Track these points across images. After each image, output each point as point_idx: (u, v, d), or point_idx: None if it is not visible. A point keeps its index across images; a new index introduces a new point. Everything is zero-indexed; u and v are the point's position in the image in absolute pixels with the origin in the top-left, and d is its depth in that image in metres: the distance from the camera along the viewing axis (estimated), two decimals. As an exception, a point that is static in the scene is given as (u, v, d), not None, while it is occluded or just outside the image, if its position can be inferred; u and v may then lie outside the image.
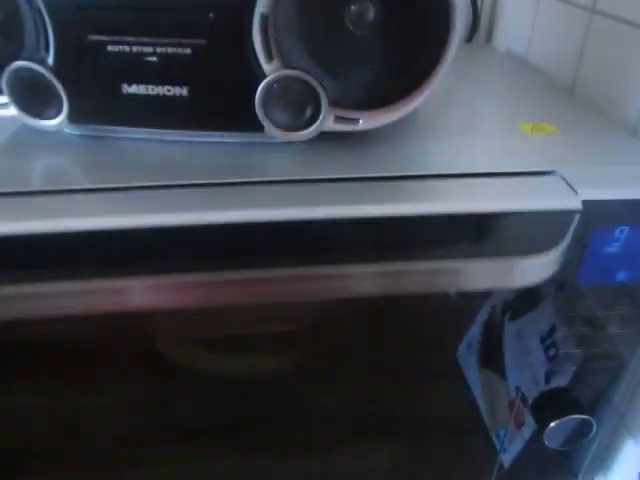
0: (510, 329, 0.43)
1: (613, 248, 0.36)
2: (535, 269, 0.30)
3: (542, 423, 0.45)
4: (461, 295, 0.41)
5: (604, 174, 0.36)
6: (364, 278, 0.28)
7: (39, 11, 0.32)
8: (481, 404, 0.48)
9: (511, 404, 0.49)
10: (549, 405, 0.45)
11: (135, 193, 0.32)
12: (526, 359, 0.45)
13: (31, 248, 0.29)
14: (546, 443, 0.46)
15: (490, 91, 0.53)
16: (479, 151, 0.39)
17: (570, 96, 0.53)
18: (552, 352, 0.45)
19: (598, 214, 0.34)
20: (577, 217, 0.32)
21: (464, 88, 0.52)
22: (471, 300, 0.42)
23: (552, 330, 0.43)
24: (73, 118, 0.37)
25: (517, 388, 0.47)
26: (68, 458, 0.46)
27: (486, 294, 0.40)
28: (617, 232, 0.35)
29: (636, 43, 0.45)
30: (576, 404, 0.44)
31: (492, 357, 0.45)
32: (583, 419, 0.44)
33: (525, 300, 0.42)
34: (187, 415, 0.45)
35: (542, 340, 0.44)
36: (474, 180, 0.34)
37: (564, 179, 0.34)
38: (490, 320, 0.43)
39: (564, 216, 0.32)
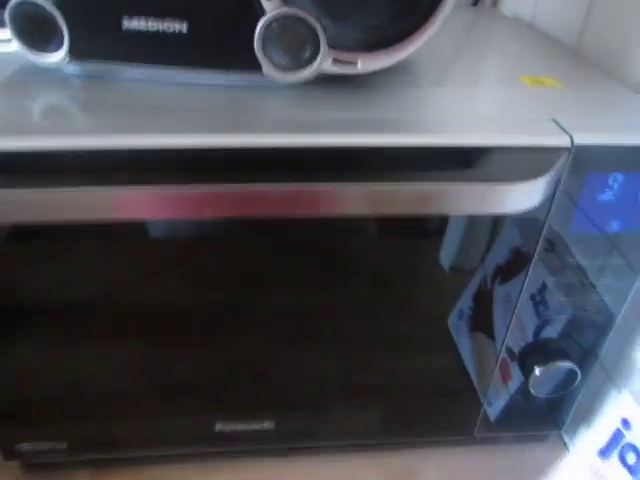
0: (500, 292, 0.44)
1: (607, 196, 0.37)
2: (521, 195, 0.30)
3: (527, 371, 0.46)
4: (454, 268, 0.42)
5: (600, 122, 0.36)
6: (355, 196, 0.29)
7: (41, -62, 0.32)
8: (470, 367, 0.49)
9: (501, 363, 0.50)
10: (535, 353, 0.45)
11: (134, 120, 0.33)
12: (516, 319, 0.46)
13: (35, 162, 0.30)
14: (531, 391, 0.47)
15: (493, 49, 0.52)
16: (476, 100, 0.40)
17: (574, 56, 0.52)
18: (541, 309, 0.45)
19: (592, 160, 0.35)
20: (566, 155, 0.32)
21: (467, 47, 0.52)
22: (464, 273, 0.43)
23: (542, 288, 0.44)
24: (74, 54, 0.37)
25: (506, 347, 0.48)
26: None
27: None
28: (611, 179, 0.36)
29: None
30: (561, 352, 0.45)
31: (482, 321, 0.46)
32: (568, 367, 0.45)
33: (516, 263, 0.42)
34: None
35: (532, 298, 0.45)
36: (467, 121, 0.34)
37: (556, 122, 0.34)
38: (481, 287, 0.44)
39: (553, 153, 0.32)
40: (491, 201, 0.30)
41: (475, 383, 0.50)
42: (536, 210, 0.36)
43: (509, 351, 0.48)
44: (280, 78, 0.37)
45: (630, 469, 0.39)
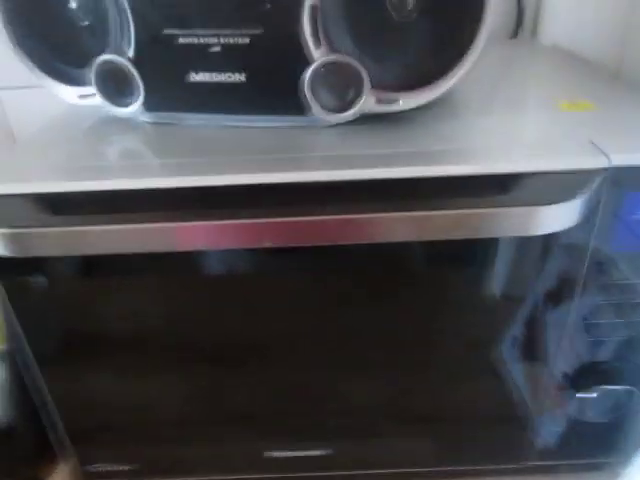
0: (551, 317, 0.44)
1: (647, 214, 0.37)
2: (557, 216, 0.31)
3: (581, 395, 0.45)
4: (505, 296, 0.43)
5: (637, 142, 0.37)
6: (400, 222, 0.32)
7: (123, 9, 0.38)
8: (524, 394, 0.49)
9: (554, 391, 0.49)
10: (589, 377, 0.45)
11: (199, 164, 0.37)
12: (571, 345, 0.46)
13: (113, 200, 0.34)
14: (585, 416, 0.46)
15: (531, 78, 0.54)
16: (514, 127, 0.41)
17: (613, 80, 0.53)
18: (594, 331, 0.45)
19: (630, 179, 0.36)
20: (602, 175, 0.34)
21: (506, 77, 0.54)
22: (516, 301, 0.44)
23: (594, 310, 0.44)
24: (147, 105, 0.43)
25: (562, 376, 0.48)
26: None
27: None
28: (651, 198, 0.36)
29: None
30: (617, 374, 0.44)
31: (535, 347, 0.46)
32: (622, 390, 0.44)
33: (565, 287, 0.43)
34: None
35: (584, 320, 0.45)
36: (505, 149, 0.36)
37: (594, 144, 0.36)
38: (532, 313, 0.44)
39: (590, 174, 0.33)
40: (528, 223, 0.31)
41: (527, 411, 0.49)
42: (580, 231, 0.37)
43: (564, 376, 0.48)
44: (327, 119, 0.41)
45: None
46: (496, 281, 0.43)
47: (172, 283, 0.43)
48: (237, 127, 0.43)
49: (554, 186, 0.33)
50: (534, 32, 0.71)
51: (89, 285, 0.43)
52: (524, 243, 0.40)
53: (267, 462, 0.51)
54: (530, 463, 0.52)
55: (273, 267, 0.42)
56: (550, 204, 0.31)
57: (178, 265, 0.42)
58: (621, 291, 0.42)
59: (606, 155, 0.35)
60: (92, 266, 0.42)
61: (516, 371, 0.48)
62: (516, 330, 0.46)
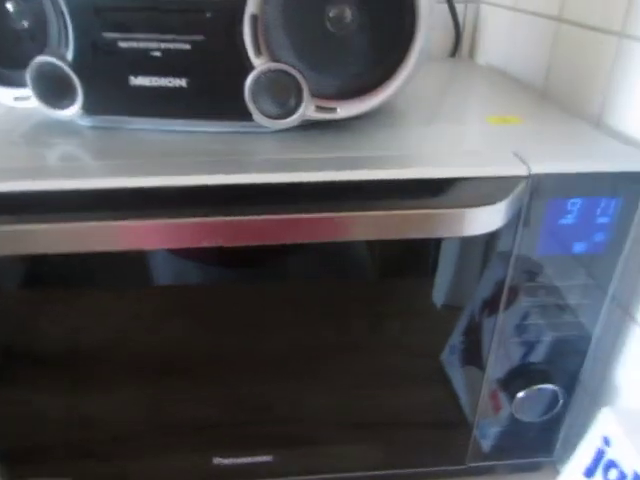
0: (488, 325, 0.46)
1: (568, 220, 0.40)
2: (483, 218, 0.34)
3: (511, 396, 0.47)
4: (446, 306, 0.45)
5: (557, 152, 0.40)
6: (331, 223, 0.33)
7: (62, 13, 0.38)
8: (463, 399, 0.51)
9: (492, 394, 0.51)
10: (517, 378, 0.47)
11: (138, 165, 0.37)
12: (504, 350, 0.48)
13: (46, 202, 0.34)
14: (516, 416, 0.48)
15: (464, 94, 0.57)
16: (444, 137, 0.44)
17: (541, 97, 0.57)
18: (525, 336, 0.48)
19: (550, 186, 0.38)
20: (524, 182, 0.36)
21: (442, 93, 0.57)
22: (456, 310, 0.45)
23: (525, 316, 0.46)
24: (86, 108, 0.42)
25: (497, 379, 0.50)
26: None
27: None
28: (569, 204, 0.39)
29: (596, 45, 0.49)
30: (543, 376, 0.47)
31: (473, 354, 0.48)
32: (549, 390, 0.47)
33: (500, 295, 0.45)
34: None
35: (517, 327, 0.47)
36: (434, 156, 0.38)
37: (516, 154, 0.38)
38: (470, 321, 0.46)
39: (513, 182, 0.36)
40: (454, 224, 0.33)
41: (467, 415, 0.51)
42: (506, 235, 0.40)
43: (499, 381, 0.50)
44: (269, 125, 0.42)
45: (613, 485, 0.40)
46: (437, 291, 0.44)
47: (110, 294, 0.43)
48: (180, 132, 0.43)
49: (479, 191, 0.35)
50: (471, 52, 0.75)
51: (22, 296, 0.42)
52: (455, 250, 0.42)
53: (216, 469, 0.51)
54: (472, 464, 0.54)
55: (216, 278, 0.43)
56: (475, 207, 0.33)
57: (117, 276, 0.42)
58: (546, 293, 0.44)
59: (526, 164, 0.38)
60: (25, 276, 0.41)
61: (455, 376, 0.50)
62: (455, 339, 0.48)
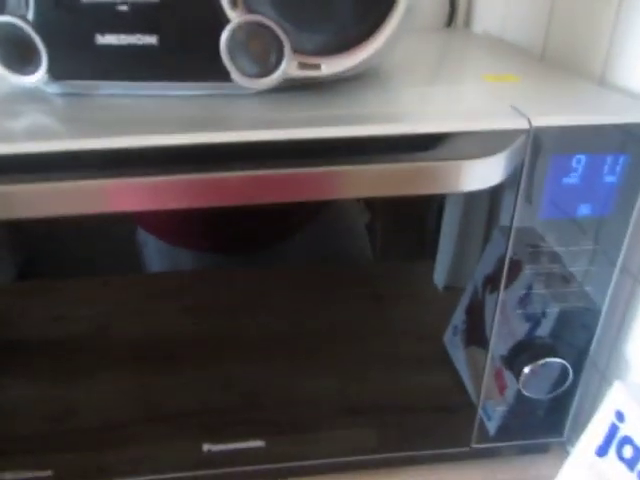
0: (491, 302, 0.44)
1: (572, 179, 0.37)
2: (481, 172, 0.31)
3: (517, 372, 0.45)
4: (448, 287, 0.43)
5: (559, 106, 0.37)
6: (320, 178, 0.30)
7: (18, -35, 0.35)
8: (466, 380, 0.49)
9: (497, 373, 0.49)
10: (523, 353, 0.45)
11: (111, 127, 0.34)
12: (507, 326, 0.46)
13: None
14: (524, 393, 0.45)
15: (460, 59, 0.55)
16: (439, 95, 0.41)
17: (539, 61, 0.54)
18: (530, 311, 0.45)
19: (553, 142, 0.35)
20: (525, 136, 0.33)
21: (437, 58, 0.54)
22: (458, 291, 0.44)
23: (528, 291, 0.44)
24: (52, 73, 0.39)
25: (501, 357, 0.47)
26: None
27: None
28: (574, 161, 0.36)
29: (598, 3, 0.46)
30: (549, 349, 0.44)
31: (476, 333, 0.46)
32: (557, 364, 0.44)
33: (502, 270, 0.42)
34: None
35: (520, 302, 0.45)
36: (428, 113, 0.35)
37: (515, 108, 0.35)
38: (472, 299, 0.44)
39: (512, 135, 0.33)
40: (451, 178, 0.30)
41: (472, 396, 0.49)
42: (506, 195, 0.37)
43: (503, 360, 0.47)
44: (249, 85, 0.39)
45: (628, 463, 0.37)
46: (438, 273, 0.43)
47: (93, 281, 0.41)
48: (153, 97, 0.40)
49: (477, 145, 0.32)
50: (467, 21, 0.72)
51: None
52: (456, 220, 0.40)
53: (206, 456, 0.48)
54: (478, 446, 0.51)
55: (205, 264, 0.41)
56: (472, 159, 0.30)
57: (102, 263, 0.40)
58: (550, 261, 0.41)
59: (527, 117, 0.35)
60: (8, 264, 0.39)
61: (458, 358, 0.47)
62: (457, 319, 0.46)
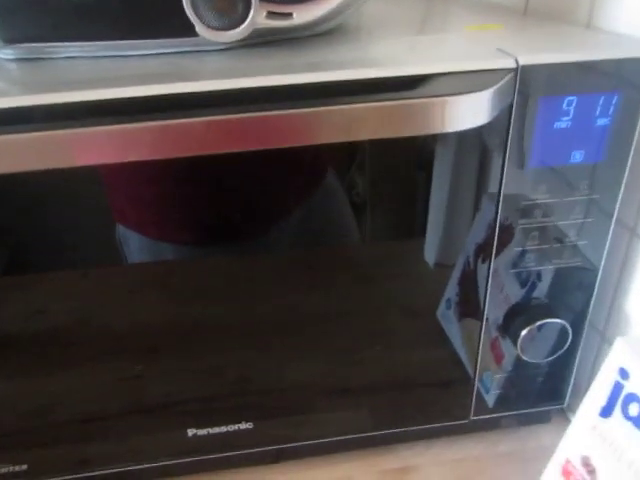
0: (483, 271, 0.43)
1: (563, 123, 0.35)
2: (466, 109, 0.28)
3: (514, 336, 0.43)
4: (438, 264, 0.42)
5: (545, 46, 0.35)
6: (296, 119, 0.28)
7: None
8: (463, 355, 0.47)
9: (492, 343, 0.47)
10: (519, 316, 0.43)
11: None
12: (502, 294, 0.44)
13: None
14: (522, 357, 0.44)
15: (441, 14, 0.52)
16: (421, 45, 0.39)
17: (524, 14, 0.52)
18: (524, 276, 0.43)
19: (542, 82, 0.33)
20: (512, 75, 0.31)
21: (414, 16, 0.52)
22: (448, 268, 0.43)
23: (522, 252, 0.42)
24: (5, 36, 0.37)
25: (497, 325, 0.46)
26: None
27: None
28: (565, 103, 0.34)
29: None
30: (546, 310, 0.42)
31: (470, 304, 0.45)
32: (557, 325, 0.42)
33: (493, 237, 0.41)
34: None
35: (513, 266, 0.43)
36: (411, 59, 0.33)
37: (501, 50, 0.33)
38: (464, 270, 0.43)
39: (498, 74, 0.31)
40: (436, 116, 0.28)
41: (468, 368, 0.47)
42: (494, 140, 0.35)
43: (500, 327, 0.46)
44: (215, 38, 0.36)
45: (634, 421, 0.36)
46: (428, 250, 0.42)
47: (74, 272, 0.39)
48: (114, 57, 0.38)
49: (462, 84, 0.30)
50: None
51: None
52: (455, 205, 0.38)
53: (192, 442, 0.46)
54: (476, 417, 0.50)
55: (185, 256, 0.40)
56: (457, 95, 0.28)
57: (85, 254, 0.39)
58: (543, 214, 0.39)
59: (513, 57, 0.33)
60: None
61: (453, 332, 0.46)
62: (450, 292, 0.44)
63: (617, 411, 0.37)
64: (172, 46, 0.38)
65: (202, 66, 0.36)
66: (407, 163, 0.38)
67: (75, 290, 0.40)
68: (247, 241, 0.41)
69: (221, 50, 0.37)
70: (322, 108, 0.27)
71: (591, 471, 0.38)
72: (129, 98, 0.30)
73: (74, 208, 0.37)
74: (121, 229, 0.39)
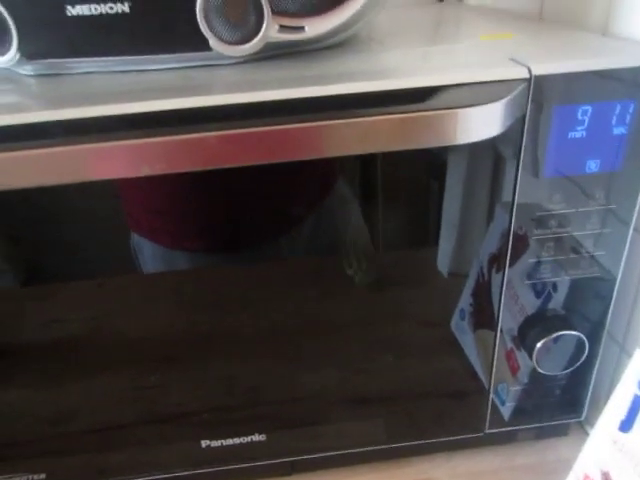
0: (497, 282, 0.42)
1: (578, 132, 0.34)
2: (477, 120, 0.28)
3: (530, 348, 0.42)
4: (452, 273, 0.42)
5: (561, 53, 0.35)
6: (309, 132, 0.28)
7: None
8: (477, 365, 0.47)
9: (507, 354, 0.46)
10: (535, 327, 0.42)
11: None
12: (517, 305, 0.43)
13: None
14: (538, 369, 0.43)
15: (454, 26, 0.52)
16: (434, 55, 0.39)
17: (538, 21, 0.52)
18: (539, 286, 0.43)
19: (555, 91, 0.33)
20: (525, 86, 0.31)
21: (429, 27, 0.52)
22: (462, 277, 0.42)
23: (536, 264, 0.41)
24: (24, 52, 0.37)
25: (512, 336, 0.45)
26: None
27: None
28: (580, 112, 0.34)
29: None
30: (563, 322, 0.41)
31: (484, 315, 0.44)
32: (572, 337, 0.41)
33: (507, 246, 0.41)
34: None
35: (528, 277, 0.42)
36: (424, 69, 0.33)
37: (513, 59, 0.33)
38: (478, 281, 0.43)
39: (511, 86, 0.31)
40: (447, 128, 0.28)
41: (483, 380, 0.47)
42: (507, 150, 0.35)
43: (515, 338, 0.45)
44: (228, 52, 0.37)
45: (655, 435, 0.35)
46: (442, 259, 0.41)
47: (87, 284, 0.40)
48: (130, 72, 0.38)
49: (474, 96, 0.30)
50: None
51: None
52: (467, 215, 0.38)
53: (205, 453, 0.47)
54: (491, 431, 0.49)
55: (199, 263, 0.40)
56: (468, 107, 0.28)
57: (94, 269, 0.39)
58: (558, 225, 0.39)
59: (526, 66, 0.33)
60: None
61: (467, 343, 0.46)
62: (464, 303, 0.44)
63: (637, 425, 0.36)
64: (186, 60, 0.38)
65: (215, 79, 0.37)
66: (420, 172, 0.38)
67: (91, 300, 0.40)
68: (258, 249, 0.41)
69: (234, 64, 0.38)
70: (334, 122, 0.27)
71: (611, 487, 0.37)
72: (143, 113, 0.30)
73: (90, 218, 0.38)
74: (136, 238, 0.40)
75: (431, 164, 0.38)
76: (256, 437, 0.46)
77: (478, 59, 0.36)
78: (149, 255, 0.40)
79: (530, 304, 0.44)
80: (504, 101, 0.28)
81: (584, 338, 0.42)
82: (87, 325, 0.41)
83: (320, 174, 0.39)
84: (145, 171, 0.27)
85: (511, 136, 0.34)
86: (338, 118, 0.27)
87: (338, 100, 0.30)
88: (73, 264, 0.40)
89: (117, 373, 0.44)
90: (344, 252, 0.40)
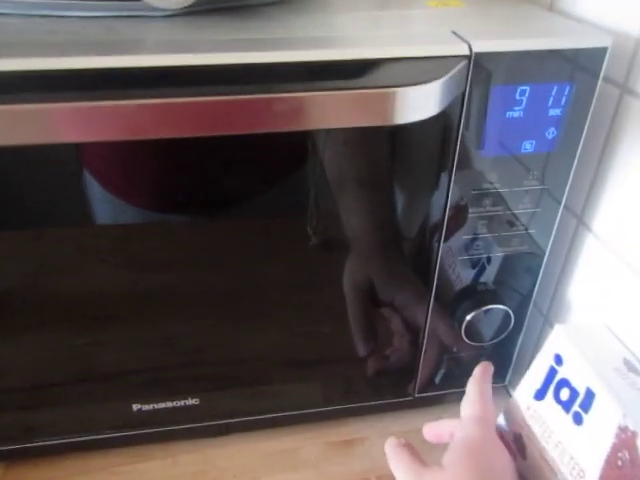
0: (432, 248, 0.42)
1: (516, 112, 0.34)
2: (414, 100, 0.27)
3: (460, 320, 0.43)
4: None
5: (503, 31, 0.34)
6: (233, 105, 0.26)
7: None
8: (408, 335, 0.48)
9: (440, 319, 0.47)
10: (465, 300, 0.43)
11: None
12: (454, 274, 0.44)
13: None
14: (466, 340, 0.45)
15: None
16: (376, 20, 0.37)
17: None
18: (475, 257, 0.43)
19: (496, 70, 0.32)
20: (465, 63, 0.30)
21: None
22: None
23: (474, 236, 0.42)
24: None
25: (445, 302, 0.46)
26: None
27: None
28: (518, 92, 0.34)
29: None
30: (492, 295, 0.43)
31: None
32: (501, 311, 0.43)
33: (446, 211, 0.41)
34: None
35: (466, 248, 0.43)
36: (362, 38, 0.32)
37: (455, 33, 0.32)
38: (421, 248, 0.43)
39: (451, 62, 0.30)
40: (383, 107, 0.27)
41: (416, 345, 0.48)
42: (445, 128, 0.34)
43: (447, 305, 0.46)
44: (160, 3, 0.34)
45: (564, 405, 0.37)
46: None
47: (26, 234, 0.37)
48: (48, 17, 0.35)
49: (412, 72, 0.29)
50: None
51: None
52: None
53: (137, 416, 0.46)
54: (420, 395, 0.51)
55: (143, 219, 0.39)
56: (405, 86, 0.27)
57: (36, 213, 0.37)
58: (493, 203, 0.39)
59: (467, 42, 0.32)
60: None
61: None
62: None
63: (549, 394, 0.38)
64: (113, 9, 0.35)
65: (143, 35, 0.34)
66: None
67: (26, 252, 0.38)
68: (208, 213, 0.40)
69: (165, 17, 0.35)
70: (258, 96, 0.26)
71: (521, 448, 0.39)
72: (60, 70, 0.28)
73: (26, 163, 0.35)
74: (87, 175, 0.38)
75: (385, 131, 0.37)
76: (189, 401, 0.46)
77: (420, 29, 0.35)
78: (98, 195, 0.38)
79: (465, 275, 0.45)
80: (443, 80, 0.28)
81: (511, 312, 0.43)
82: (21, 279, 0.39)
83: (284, 149, 0.38)
84: (58, 138, 0.25)
85: (451, 112, 0.33)
86: (265, 92, 0.26)
87: (268, 69, 0.28)
88: (8, 213, 0.37)
89: (51, 330, 0.42)
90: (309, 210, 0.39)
